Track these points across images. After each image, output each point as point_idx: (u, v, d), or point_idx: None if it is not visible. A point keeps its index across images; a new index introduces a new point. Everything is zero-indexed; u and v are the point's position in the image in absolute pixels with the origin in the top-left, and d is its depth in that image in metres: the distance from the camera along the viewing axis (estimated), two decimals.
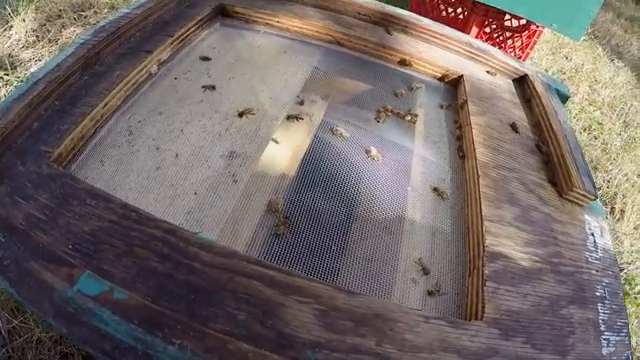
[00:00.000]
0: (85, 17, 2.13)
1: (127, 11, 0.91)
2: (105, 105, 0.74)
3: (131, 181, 0.68)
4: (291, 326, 0.48)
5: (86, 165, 0.68)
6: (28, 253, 0.50)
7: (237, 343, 0.45)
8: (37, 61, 1.79)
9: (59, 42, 1.93)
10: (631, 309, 1.58)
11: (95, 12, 2.18)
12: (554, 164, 0.83)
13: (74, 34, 1.97)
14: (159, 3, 0.97)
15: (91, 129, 0.71)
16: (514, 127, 0.91)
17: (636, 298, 1.62)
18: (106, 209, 0.55)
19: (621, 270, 1.68)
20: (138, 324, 0.45)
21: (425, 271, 0.66)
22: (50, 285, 0.48)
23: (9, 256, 0.50)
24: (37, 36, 1.93)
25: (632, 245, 1.79)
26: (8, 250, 0.51)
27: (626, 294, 1.62)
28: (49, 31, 1.97)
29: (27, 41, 1.89)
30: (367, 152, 0.83)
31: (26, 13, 1.98)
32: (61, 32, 1.99)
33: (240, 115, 0.83)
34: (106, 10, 2.19)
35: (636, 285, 1.66)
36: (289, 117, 0.85)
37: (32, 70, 1.74)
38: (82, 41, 0.80)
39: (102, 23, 0.86)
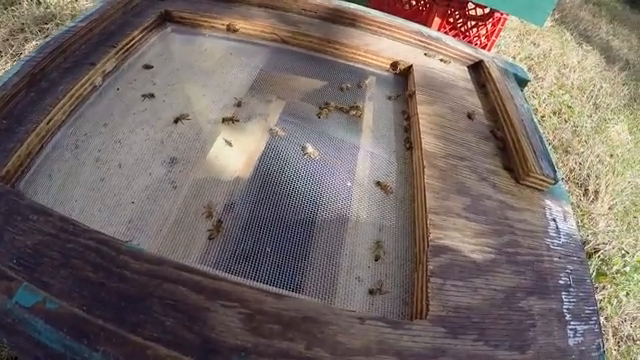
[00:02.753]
0: (47, 29, 2.11)
1: (72, 25, 0.90)
2: (50, 121, 0.73)
3: (77, 193, 0.68)
4: (217, 331, 0.48)
5: (35, 181, 0.69)
6: None
7: (158, 349, 0.46)
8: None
9: (22, 56, 1.89)
10: (610, 289, 1.59)
11: (57, 24, 2.16)
12: (510, 149, 0.82)
13: (37, 47, 1.94)
14: (104, 14, 0.95)
15: (37, 145, 0.71)
16: (468, 115, 0.90)
17: (614, 278, 1.63)
18: (46, 223, 0.56)
19: (597, 251, 1.69)
20: (67, 332, 0.46)
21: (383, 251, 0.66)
22: None
23: None
24: (0, 52, 1.88)
25: (608, 225, 1.80)
26: None
27: (604, 274, 1.62)
28: (12, 45, 1.95)
29: None
30: (303, 149, 0.81)
31: None
32: (24, 46, 1.98)
33: (175, 121, 0.81)
34: (68, 21, 2.15)
35: (613, 265, 1.66)
36: (224, 120, 0.83)
37: None
38: (27, 58, 0.80)
39: (47, 39, 0.86)
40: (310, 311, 0.50)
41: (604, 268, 1.65)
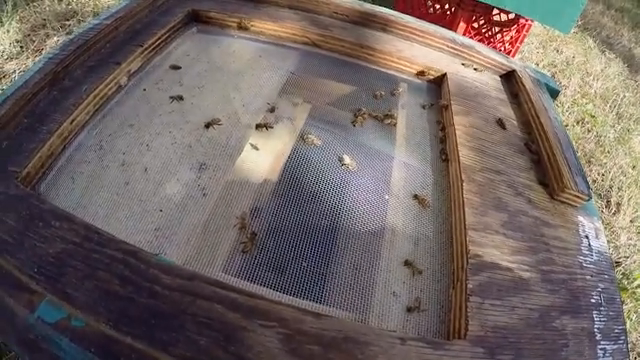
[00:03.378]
0: (69, 26, 2.11)
1: (96, 22, 0.88)
2: (73, 121, 0.71)
3: (101, 198, 0.66)
4: (254, 351, 0.46)
5: (57, 183, 0.66)
6: None
7: None
8: (22, 72, 1.76)
9: (43, 52, 1.90)
10: (630, 304, 1.56)
11: (79, 21, 2.16)
12: (544, 164, 0.80)
13: (58, 43, 1.95)
14: (130, 12, 0.93)
15: (59, 146, 0.69)
16: (502, 126, 0.88)
17: (634, 293, 1.59)
18: (69, 230, 0.54)
19: (618, 264, 1.65)
20: (95, 352, 0.44)
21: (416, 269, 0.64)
22: (13, 312, 0.47)
23: None
24: (21, 47, 1.91)
25: (629, 239, 1.76)
26: None
27: (624, 289, 1.59)
28: (33, 41, 1.95)
29: (11, 52, 1.86)
30: (340, 160, 0.79)
31: (10, 24, 1.95)
32: (45, 42, 1.98)
33: (207, 126, 0.80)
34: (90, 18, 2.16)
35: (634, 280, 1.63)
36: (258, 126, 0.81)
37: None
38: (50, 55, 0.78)
39: (71, 36, 0.84)
40: (351, 331, 0.49)
41: (624, 282, 1.62)
